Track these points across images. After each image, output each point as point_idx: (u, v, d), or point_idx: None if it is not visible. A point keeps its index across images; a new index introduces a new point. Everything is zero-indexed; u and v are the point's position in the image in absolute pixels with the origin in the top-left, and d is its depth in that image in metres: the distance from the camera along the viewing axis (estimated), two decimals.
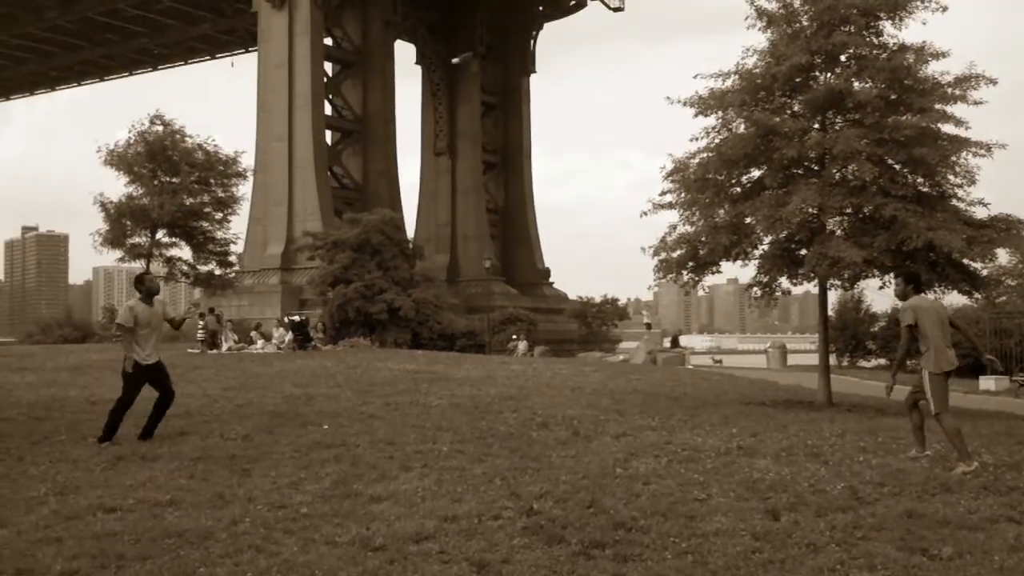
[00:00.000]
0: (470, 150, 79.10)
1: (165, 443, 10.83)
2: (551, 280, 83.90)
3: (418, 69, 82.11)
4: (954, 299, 19.25)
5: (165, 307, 11.90)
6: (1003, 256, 18.77)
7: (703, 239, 16.75)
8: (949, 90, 16.17)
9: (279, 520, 7.15)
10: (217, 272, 47.58)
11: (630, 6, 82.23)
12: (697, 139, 17.29)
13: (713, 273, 17.73)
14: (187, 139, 44.82)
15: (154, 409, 11.51)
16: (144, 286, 11.55)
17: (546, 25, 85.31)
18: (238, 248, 52.62)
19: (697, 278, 17.79)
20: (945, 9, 16.51)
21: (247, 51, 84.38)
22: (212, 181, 45.00)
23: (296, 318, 37.19)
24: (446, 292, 59.28)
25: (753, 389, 22.21)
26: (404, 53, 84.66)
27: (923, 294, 10.57)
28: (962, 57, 16.76)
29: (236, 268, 52.13)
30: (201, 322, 35.53)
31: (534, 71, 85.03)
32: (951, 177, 16.36)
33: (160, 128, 44.47)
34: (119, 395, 11.30)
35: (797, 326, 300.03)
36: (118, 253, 46.12)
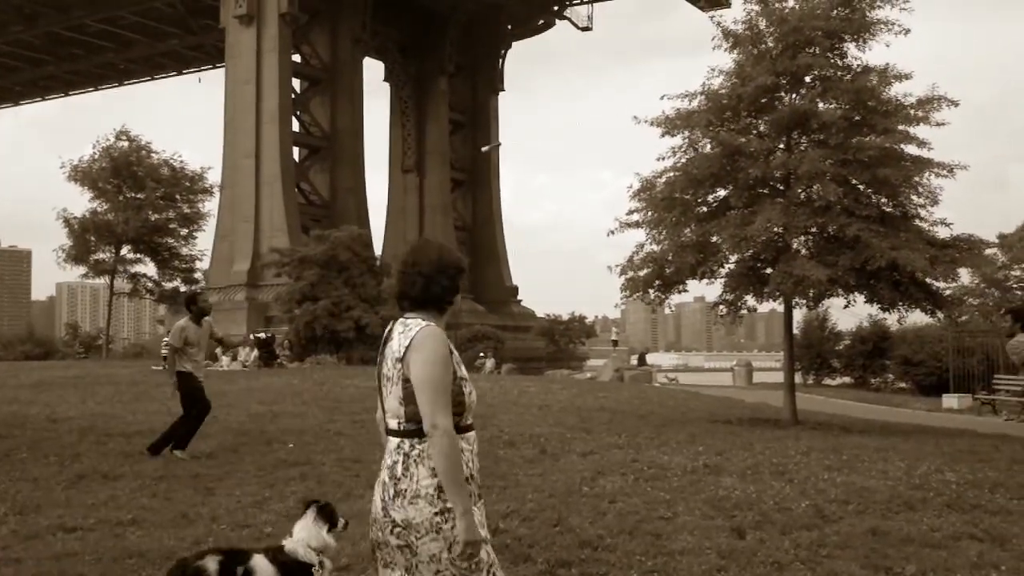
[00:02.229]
0: (438, 168, 79.02)
1: (128, 461, 10.71)
2: (519, 298, 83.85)
3: (387, 86, 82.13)
4: (917, 318, 19.44)
5: (212, 326, 12.39)
6: (965, 276, 19.00)
7: (670, 258, 16.84)
8: (912, 111, 16.40)
9: (243, 540, 7.07)
10: (182, 288, 47.26)
11: (598, 26, 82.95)
12: (664, 159, 17.41)
13: (680, 291, 17.83)
14: (153, 155, 44.66)
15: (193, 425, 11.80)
16: (196, 307, 12.08)
17: (515, 44, 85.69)
18: (204, 265, 52.35)
19: (664, 296, 17.88)
20: (908, 32, 16.74)
21: (214, 67, 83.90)
22: (178, 197, 44.82)
23: (262, 335, 36.92)
24: None
25: (719, 407, 22.29)
26: (372, 70, 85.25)
27: None
28: (925, 79, 17.04)
29: (202, 285, 51.80)
30: (166, 339, 35.18)
31: (503, 89, 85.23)
32: (914, 197, 16.57)
33: (125, 143, 44.27)
34: (193, 412, 11.68)
35: (763, 344, 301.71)
36: (82, 269, 45.84)
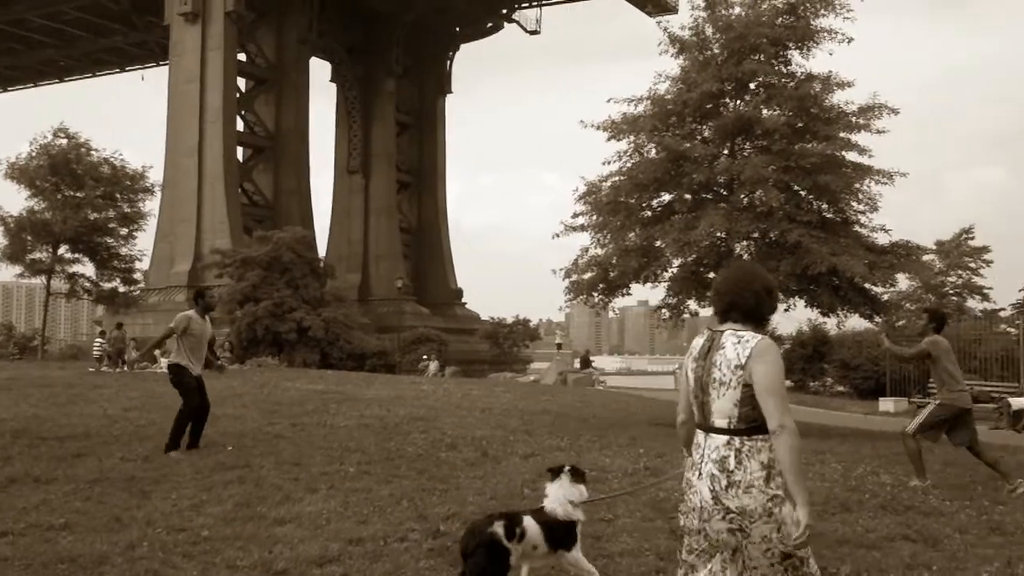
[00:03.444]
0: (384, 169, 78.64)
1: (61, 465, 10.47)
2: (463, 300, 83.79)
3: (333, 87, 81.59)
4: (856, 322, 19.74)
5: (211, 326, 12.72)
6: (903, 281, 19.33)
7: (614, 261, 16.92)
8: (853, 119, 16.64)
9: (178, 544, 6.96)
10: (121, 289, 46.55)
11: (546, 30, 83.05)
12: (609, 163, 17.49)
13: (623, 295, 17.93)
14: (92, 153, 43.89)
15: (194, 423, 11.95)
16: (204, 300, 12.53)
17: (464, 46, 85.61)
18: (144, 265, 51.55)
19: (607, 300, 17.97)
20: (851, 40, 16.98)
21: (158, 65, 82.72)
22: (118, 196, 44.13)
23: None
24: (357, 311, 58.66)
25: (661, 410, 22.41)
26: (319, 71, 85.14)
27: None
28: (867, 87, 17.32)
29: (141, 285, 51.05)
30: (100, 340, 34.66)
31: (450, 91, 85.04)
32: (854, 204, 16.83)
33: (64, 141, 43.47)
34: (180, 406, 11.85)
35: None
36: (17, 269, 44.95)
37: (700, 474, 4.11)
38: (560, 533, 5.17)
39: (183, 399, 11.87)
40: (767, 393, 3.97)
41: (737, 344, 4.04)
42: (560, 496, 5.25)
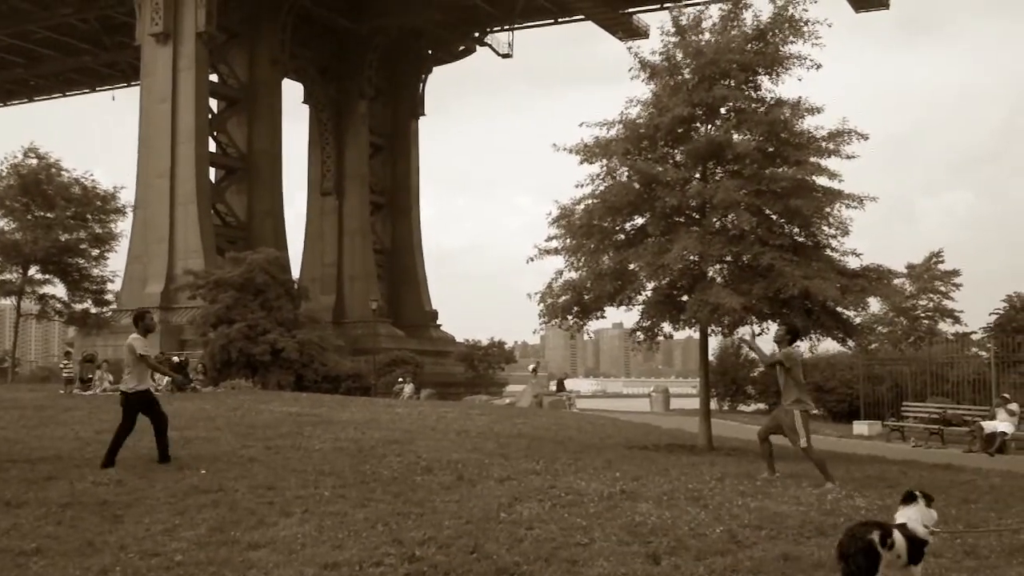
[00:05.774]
0: (358, 191, 78.62)
1: (32, 488, 10.37)
2: (438, 322, 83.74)
3: (306, 108, 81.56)
4: (829, 346, 19.88)
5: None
6: (874, 304, 19.49)
7: (588, 285, 16.96)
8: (823, 144, 16.80)
9: (152, 569, 6.91)
10: (93, 310, 46.18)
11: (518, 53, 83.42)
12: (582, 186, 17.56)
13: (598, 318, 17.98)
14: (63, 173, 43.65)
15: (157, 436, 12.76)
16: (144, 323, 12.96)
17: (436, 69, 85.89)
18: (116, 286, 51.18)
19: (582, 323, 18.01)
20: (820, 67, 17.18)
21: (129, 85, 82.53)
22: (89, 217, 43.85)
23: (175, 359, 36.18)
24: (331, 333, 58.43)
25: (636, 433, 22.46)
26: (292, 92, 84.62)
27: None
28: (840, 110, 17.44)
29: (113, 307, 50.66)
30: (66, 361, 34.34)
31: (423, 114, 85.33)
32: (825, 228, 16.96)
33: (34, 161, 43.21)
34: (120, 423, 12.61)
35: (680, 370, 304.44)
36: None
37: None
38: (917, 549, 5.86)
39: (123, 419, 12.60)
40: None
41: None
42: (919, 518, 5.96)
